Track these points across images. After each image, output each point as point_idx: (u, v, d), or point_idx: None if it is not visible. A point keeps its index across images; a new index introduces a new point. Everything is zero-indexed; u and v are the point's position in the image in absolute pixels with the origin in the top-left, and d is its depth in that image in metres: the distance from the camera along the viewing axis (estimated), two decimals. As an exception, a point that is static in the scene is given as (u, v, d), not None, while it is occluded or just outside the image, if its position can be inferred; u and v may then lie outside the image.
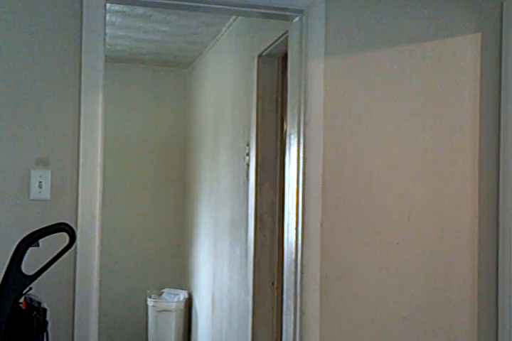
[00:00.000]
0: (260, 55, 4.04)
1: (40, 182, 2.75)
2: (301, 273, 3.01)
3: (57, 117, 2.79)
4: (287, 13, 3.11)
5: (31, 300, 2.36)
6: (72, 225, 2.43)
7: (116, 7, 4.35)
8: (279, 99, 4.05)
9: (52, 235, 2.33)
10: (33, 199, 2.76)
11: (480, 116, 3.21)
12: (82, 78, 2.80)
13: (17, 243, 2.27)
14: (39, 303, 2.35)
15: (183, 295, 5.87)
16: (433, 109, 3.17)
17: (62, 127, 2.79)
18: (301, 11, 3.06)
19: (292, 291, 3.07)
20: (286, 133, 3.37)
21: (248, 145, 4.15)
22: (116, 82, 5.80)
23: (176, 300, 5.84)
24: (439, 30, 3.18)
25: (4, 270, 2.26)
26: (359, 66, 3.10)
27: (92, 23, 2.81)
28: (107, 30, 4.00)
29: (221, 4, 3.04)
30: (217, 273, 4.96)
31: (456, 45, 3.20)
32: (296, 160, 3.07)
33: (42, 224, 2.38)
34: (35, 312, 2.32)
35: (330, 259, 3.03)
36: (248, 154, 4.14)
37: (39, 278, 2.29)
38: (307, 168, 3.02)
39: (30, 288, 2.30)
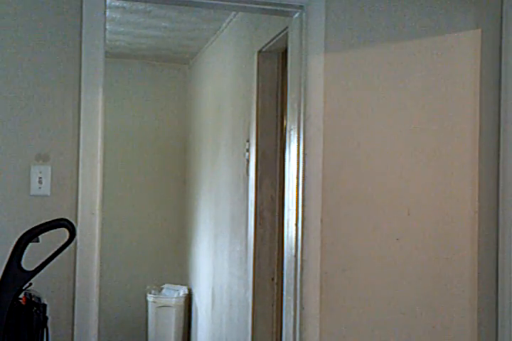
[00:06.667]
0: (260, 51, 4.03)
1: (40, 177, 2.75)
2: (301, 268, 3.01)
3: (58, 113, 2.79)
4: (287, 9, 3.11)
5: (31, 295, 2.36)
6: (72, 221, 2.44)
7: (116, 3, 4.35)
8: (279, 95, 4.05)
9: (52, 231, 2.33)
10: (33, 195, 2.76)
11: (480, 111, 3.21)
12: (83, 74, 2.79)
13: (17, 238, 2.27)
14: (39, 299, 2.36)
15: (182, 290, 5.87)
16: (433, 105, 3.17)
17: (63, 123, 2.79)
18: (301, 7, 3.06)
19: (292, 287, 3.07)
20: (286, 128, 3.37)
21: (248, 141, 4.15)
22: (116, 77, 5.81)
23: (175, 295, 5.85)
24: (439, 26, 3.18)
25: (4, 265, 2.26)
26: (359, 62, 3.10)
27: (92, 19, 2.81)
28: (107, 26, 4.00)
29: (221, 0, 3.04)
30: (217, 269, 4.96)
31: (456, 41, 3.20)
32: (296, 156, 3.07)
33: (42, 220, 2.38)
34: (35, 308, 2.33)
35: (330, 255, 3.03)
36: (248, 150, 4.14)
37: (39, 274, 2.30)
38: (307, 163, 3.02)
39: (30, 284, 2.30)
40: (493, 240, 3.21)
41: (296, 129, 3.08)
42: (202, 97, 5.70)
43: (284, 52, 3.80)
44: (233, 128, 4.59)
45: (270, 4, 3.08)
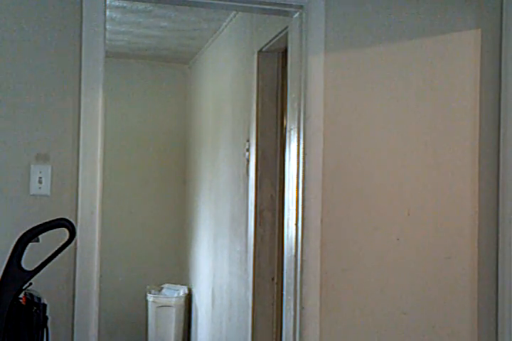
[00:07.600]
0: (260, 51, 4.03)
1: (40, 177, 2.75)
2: (301, 268, 3.01)
3: (58, 112, 2.79)
4: (287, 9, 3.11)
5: (31, 295, 2.36)
6: (72, 220, 2.44)
7: (116, 3, 4.35)
8: (279, 95, 4.05)
9: (52, 230, 2.33)
10: (33, 195, 2.76)
11: (480, 111, 3.21)
12: (83, 73, 2.79)
13: (17, 238, 2.27)
14: (39, 299, 2.35)
15: (183, 290, 5.87)
16: (433, 104, 3.17)
17: (63, 122, 2.79)
18: (301, 7, 3.06)
19: (292, 287, 3.07)
20: (286, 128, 3.37)
21: (248, 140, 4.15)
22: (116, 77, 5.80)
23: (175, 295, 5.85)
24: (439, 25, 3.17)
25: (4, 265, 2.26)
26: (359, 61, 3.10)
27: (92, 19, 2.81)
28: (107, 26, 3.99)
29: (221, 0, 3.04)
30: (217, 269, 4.96)
31: (456, 41, 3.20)
32: (296, 156, 3.07)
33: (42, 220, 2.38)
34: (35, 308, 2.33)
35: (330, 255, 3.03)
36: (248, 150, 4.14)
37: (39, 274, 2.30)
38: (307, 163, 3.02)
39: (30, 284, 2.30)
40: (494, 239, 3.21)
41: (296, 129, 3.08)
42: (202, 97, 5.70)
43: (284, 52, 3.80)
44: (233, 128, 4.59)
45: (270, 4, 3.08)
